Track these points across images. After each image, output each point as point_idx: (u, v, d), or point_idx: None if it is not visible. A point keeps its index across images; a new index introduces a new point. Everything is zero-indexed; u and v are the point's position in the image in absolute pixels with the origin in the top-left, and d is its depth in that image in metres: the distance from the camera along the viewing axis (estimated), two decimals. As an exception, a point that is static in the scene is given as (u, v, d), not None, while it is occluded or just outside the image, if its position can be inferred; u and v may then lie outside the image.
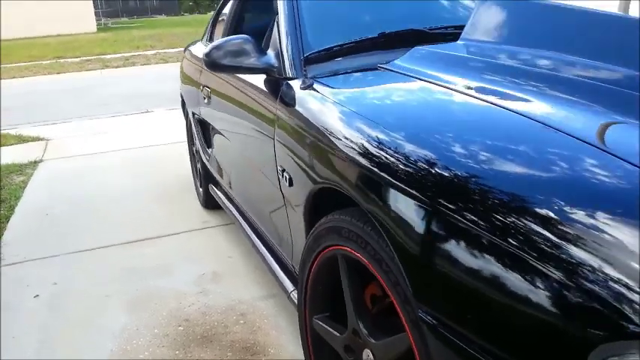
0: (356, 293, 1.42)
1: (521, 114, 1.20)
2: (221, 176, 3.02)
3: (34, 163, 5.21)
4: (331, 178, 1.43)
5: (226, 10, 3.24)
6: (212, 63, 2.05)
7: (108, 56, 14.52)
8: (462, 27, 1.87)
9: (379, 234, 1.23)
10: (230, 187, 2.88)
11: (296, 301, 1.94)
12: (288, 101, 1.77)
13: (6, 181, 4.68)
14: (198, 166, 3.71)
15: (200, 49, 3.46)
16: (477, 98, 1.34)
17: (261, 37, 2.68)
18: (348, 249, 1.36)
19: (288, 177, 1.71)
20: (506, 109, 1.24)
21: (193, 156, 3.90)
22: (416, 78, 1.55)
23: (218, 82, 2.68)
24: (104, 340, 2.30)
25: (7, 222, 3.73)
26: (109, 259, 3.07)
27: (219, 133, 2.81)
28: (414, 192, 1.12)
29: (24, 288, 2.81)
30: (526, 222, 0.92)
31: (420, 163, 1.15)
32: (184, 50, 4.09)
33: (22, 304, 2.66)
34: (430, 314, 1.07)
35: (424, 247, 1.09)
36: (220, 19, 3.39)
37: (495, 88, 1.38)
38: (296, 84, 1.80)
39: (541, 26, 1.62)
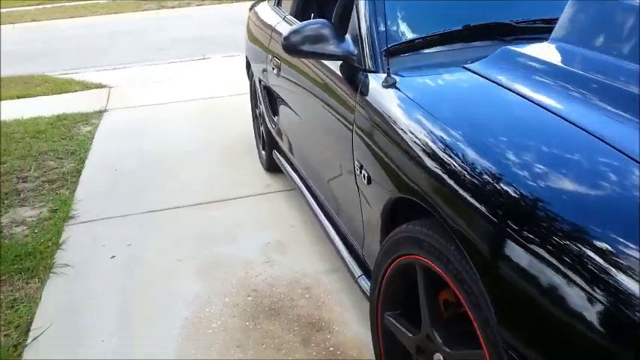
0: (432, 301, 1.48)
1: (606, 142, 1.20)
2: (287, 147, 3.08)
3: (99, 113, 5.37)
4: (413, 190, 1.47)
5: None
6: (290, 47, 2.08)
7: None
8: (549, 21, 1.84)
9: (462, 254, 1.27)
10: (297, 160, 2.94)
11: (363, 286, 2.02)
12: (369, 97, 1.79)
13: (74, 132, 4.86)
14: (262, 129, 3.78)
15: (268, 14, 3.46)
16: (564, 119, 1.33)
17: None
18: (429, 262, 1.41)
19: (366, 175, 1.76)
20: (594, 134, 1.24)
21: (256, 118, 3.96)
22: (503, 87, 1.54)
23: (291, 57, 2.70)
24: (179, 306, 2.44)
25: (79, 176, 3.90)
26: (179, 221, 3.20)
27: (288, 106, 2.85)
28: (499, 216, 1.15)
29: (100, 248, 2.97)
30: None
31: (507, 186, 1.18)
32: (250, 9, 4.10)
33: (100, 264, 2.82)
34: (512, 344, 1.12)
35: (510, 274, 1.13)
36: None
37: (584, 108, 1.37)
38: (377, 79, 1.81)
39: None
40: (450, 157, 1.36)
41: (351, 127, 1.88)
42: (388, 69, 1.74)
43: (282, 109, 3.05)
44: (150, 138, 4.59)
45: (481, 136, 1.37)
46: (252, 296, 2.48)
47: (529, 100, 1.45)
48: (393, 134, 1.61)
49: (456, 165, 1.33)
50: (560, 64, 1.57)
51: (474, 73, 1.66)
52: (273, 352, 2.14)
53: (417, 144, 1.48)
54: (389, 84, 1.73)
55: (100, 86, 6.40)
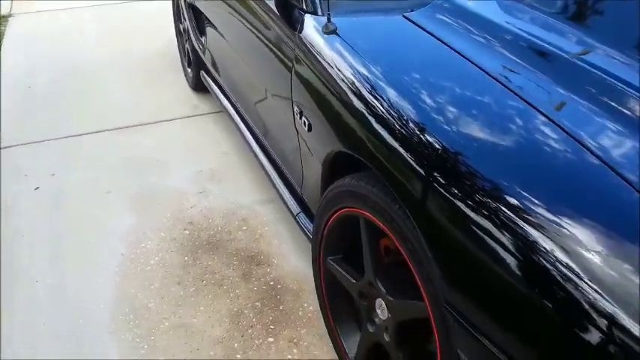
0: (374, 251, 1.54)
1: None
2: (216, 70, 2.99)
3: (4, 18, 4.97)
4: (355, 145, 1.48)
5: None
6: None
7: None
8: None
9: (403, 211, 1.31)
10: (227, 86, 2.87)
11: (302, 223, 2.06)
12: (309, 42, 1.74)
13: (-23, 41, 4.50)
14: (187, 46, 3.62)
15: None
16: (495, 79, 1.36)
17: None
18: (372, 217, 1.45)
19: (307, 122, 1.75)
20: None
21: (180, 34, 3.78)
22: (438, 40, 1.54)
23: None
24: (114, 242, 2.42)
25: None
26: (104, 146, 3.10)
27: (218, 31, 2.74)
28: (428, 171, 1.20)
29: (22, 178, 2.85)
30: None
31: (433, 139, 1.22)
32: None
33: (24, 196, 2.72)
34: (454, 304, 1.20)
35: (445, 229, 1.19)
36: None
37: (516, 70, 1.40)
38: (318, 22, 1.76)
39: None
40: (389, 112, 1.37)
41: (290, 68, 1.84)
42: (329, 14, 1.69)
43: (210, 31, 2.92)
44: (63, 49, 4.31)
45: (419, 91, 1.38)
46: (189, 230, 2.49)
47: (460, 53, 1.46)
48: (334, 86, 1.59)
49: (395, 121, 1.34)
50: (489, 17, 1.58)
51: (414, 23, 1.64)
52: (214, 287, 2.18)
53: (358, 97, 1.48)
54: (329, 30, 1.69)
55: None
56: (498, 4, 1.68)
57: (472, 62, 1.42)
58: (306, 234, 2.03)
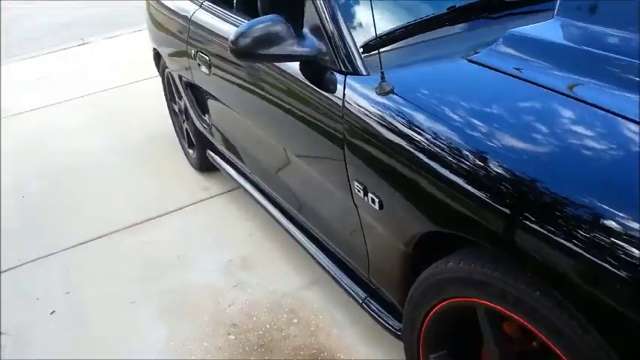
0: (501, 343, 1.27)
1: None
2: (229, 148, 2.75)
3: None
4: (458, 224, 1.23)
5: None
6: (242, 52, 1.74)
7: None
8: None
9: (559, 303, 1.05)
10: (246, 164, 2.63)
11: (373, 311, 1.80)
12: (361, 108, 1.51)
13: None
14: (185, 127, 3.39)
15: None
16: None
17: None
18: (499, 307, 1.19)
19: (376, 200, 1.49)
20: None
21: (176, 114, 3.56)
22: (524, 80, 1.32)
23: (225, 53, 2.35)
24: (154, 354, 2.12)
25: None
26: (115, 251, 2.81)
27: (228, 108, 2.51)
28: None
29: (34, 302, 2.55)
30: None
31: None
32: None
33: (40, 324, 2.41)
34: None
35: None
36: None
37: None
38: (365, 84, 1.53)
39: None
40: (495, 178, 1.13)
41: (341, 140, 1.60)
42: (382, 72, 1.46)
43: (217, 108, 2.69)
44: (52, 150, 4.05)
45: (527, 142, 1.14)
46: (234, 333, 2.19)
47: (557, 91, 1.23)
48: (408, 156, 1.34)
49: (509, 186, 1.10)
50: (582, 47, 1.36)
51: (481, 65, 1.41)
52: (281, 399, 1.89)
53: (446, 166, 1.24)
54: (385, 91, 1.45)
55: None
56: (567, 29, 1.46)
57: (572, 97, 1.20)
58: (379, 322, 1.76)
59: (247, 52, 1.73)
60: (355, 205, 1.64)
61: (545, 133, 1.16)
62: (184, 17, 2.78)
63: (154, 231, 2.92)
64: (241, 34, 1.72)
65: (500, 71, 1.37)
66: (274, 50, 1.71)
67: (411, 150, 1.34)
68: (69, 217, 3.17)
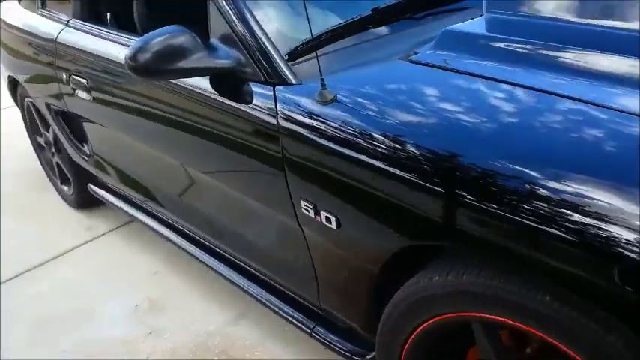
0: (501, 354, 1.18)
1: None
2: (119, 179, 2.46)
3: None
4: (446, 234, 1.12)
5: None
6: (146, 70, 1.51)
7: None
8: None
9: (575, 305, 0.98)
10: (144, 194, 2.36)
11: (323, 337, 1.65)
12: (302, 119, 1.35)
13: None
14: (56, 160, 3.03)
15: (34, 20, 2.68)
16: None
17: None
18: (501, 318, 1.09)
19: (332, 219, 1.34)
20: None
21: (42, 148, 3.18)
22: (469, 75, 1.25)
23: (107, 74, 2.09)
24: None
25: None
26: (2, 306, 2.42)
27: (119, 133, 2.24)
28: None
29: None
30: None
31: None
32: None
33: None
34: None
35: None
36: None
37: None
38: (301, 93, 1.39)
39: None
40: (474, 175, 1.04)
41: (279, 158, 1.43)
42: (322, 79, 1.32)
43: (102, 135, 2.41)
44: None
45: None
46: (161, 387, 1.94)
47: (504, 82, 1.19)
48: (367, 166, 1.21)
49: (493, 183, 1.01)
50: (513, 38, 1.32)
51: (427, 65, 1.33)
52: None
53: (416, 171, 1.13)
54: (328, 99, 1.31)
55: None
56: (498, 22, 1.42)
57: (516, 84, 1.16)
58: (336, 350, 1.62)
59: (149, 68, 1.50)
60: (300, 227, 1.48)
61: (503, 123, 1.11)
62: (48, 39, 2.46)
63: (40, 281, 2.55)
64: (139, 50, 1.50)
65: (444, 68, 1.30)
66: (183, 64, 1.50)
67: (368, 160, 1.21)
68: None
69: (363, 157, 1.22)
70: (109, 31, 2.18)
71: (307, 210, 1.41)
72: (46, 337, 2.23)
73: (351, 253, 1.39)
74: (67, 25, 2.42)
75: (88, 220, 2.96)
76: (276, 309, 1.81)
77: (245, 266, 1.96)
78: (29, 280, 2.58)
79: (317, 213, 1.38)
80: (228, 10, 1.54)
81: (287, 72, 1.45)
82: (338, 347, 1.62)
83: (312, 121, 1.33)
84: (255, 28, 1.51)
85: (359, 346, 1.59)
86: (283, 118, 1.40)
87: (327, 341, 1.65)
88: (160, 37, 1.50)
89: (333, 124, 1.29)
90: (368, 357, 1.57)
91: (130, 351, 2.10)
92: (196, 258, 2.14)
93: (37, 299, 2.45)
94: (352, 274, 1.42)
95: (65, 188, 3.10)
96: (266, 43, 1.49)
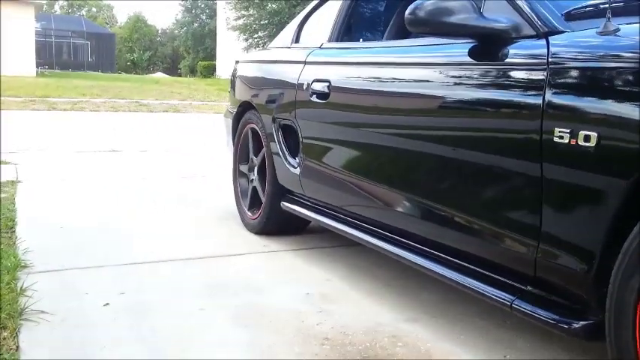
0: None
1: None
2: (334, 187, 2.56)
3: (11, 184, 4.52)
4: None
5: (328, 7, 2.94)
6: (426, 21, 1.74)
7: (53, 99, 13.69)
8: None
9: None
10: (367, 202, 2.39)
11: (528, 310, 1.56)
12: (576, 55, 1.46)
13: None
14: (253, 185, 3.27)
15: (287, 52, 3.12)
16: None
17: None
18: None
19: (594, 134, 1.36)
20: None
21: (243, 175, 3.45)
22: None
23: (356, 71, 2.35)
24: (238, 354, 1.79)
25: (13, 232, 3.07)
26: (174, 274, 2.53)
27: (350, 127, 2.41)
28: None
29: (84, 296, 2.23)
30: None
31: None
32: (236, 63, 3.73)
33: (93, 312, 2.09)
34: None
35: None
36: (314, 19, 3.08)
37: None
38: (580, 34, 1.50)
39: None
40: None
41: (539, 97, 1.51)
42: (609, 17, 1.43)
43: (328, 138, 2.59)
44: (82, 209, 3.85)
45: None
46: (329, 344, 1.89)
47: None
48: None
49: None
50: None
51: None
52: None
53: None
54: (609, 30, 1.41)
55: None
56: None
57: None
58: (534, 317, 1.53)
59: (438, 20, 1.74)
60: (541, 163, 1.50)
61: None
62: (299, 61, 2.82)
63: (218, 265, 2.67)
64: (417, 6, 1.75)
65: None
66: (454, 19, 1.71)
67: None
68: (113, 242, 2.90)
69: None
70: (358, 44, 2.48)
71: (561, 137, 1.44)
72: (216, 295, 2.29)
73: (603, 168, 1.36)
74: (319, 47, 2.77)
75: (267, 241, 3.09)
76: (475, 288, 1.76)
77: (443, 255, 1.95)
78: (209, 263, 2.70)
79: (574, 136, 1.41)
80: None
81: (563, 22, 1.58)
82: (542, 316, 1.53)
83: (591, 50, 1.43)
84: None
85: (564, 316, 1.50)
86: (555, 55, 1.50)
87: (529, 311, 1.57)
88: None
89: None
90: (575, 325, 1.47)
91: (298, 316, 2.09)
92: (396, 255, 2.13)
93: (210, 272, 2.55)
94: (589, 207, 1.39)
95: (249, 214, 3.29)
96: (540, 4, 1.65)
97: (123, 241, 2.95)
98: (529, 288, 1.63)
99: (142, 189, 4.33)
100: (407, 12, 1.80)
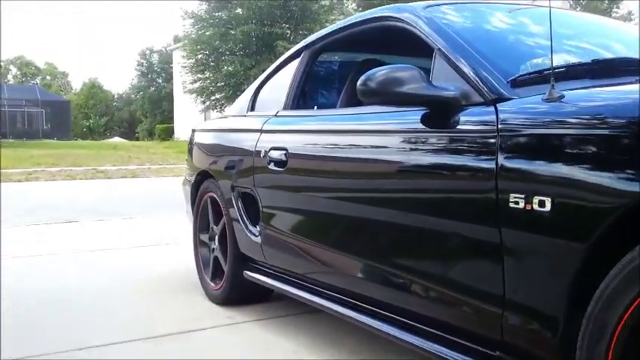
0: None
1: None
2: (297, 255, 2.53)
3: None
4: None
5: (282, 75, 2.98)
6: (377, 92, 1.78)
7: (7, 170, 13.39)
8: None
9: None
10: (332, 269, 2.37)
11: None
12: (524, 122, 1.50)
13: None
14: (214, 255, 3.22)
15: (242, 120, 3.14)
16: None
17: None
18: None
19: (548, 200, 1.38)
20: None
21: (204, 245, 3.39)
22: None
23: (312, 139, 2.37)
24: None
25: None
26: (130, 355, 2.43)
27: (309, 192, 2.42)
28: None
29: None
30: None
31: None
32: (193, 132, 3.73)
33: None
34: None
35: None
36: (268, 87, 3.11)
37: None
38: (520, 102, 1.55)
39: None
40: None
41: (492, 162, 1.53)
42: (552, 85, 1.48)
43: (285, 204, 2.59)
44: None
45: None
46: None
47: None
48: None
49: None
50: None
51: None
52: None
53: None
54: (554, 97, 1.46)
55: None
56: None
57: None
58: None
59: (390, 90, 1.78)
60: (500, 228, 1.51)
61: None
62: (255, 130, 2.84)
63: (184, 343, 2.58)
64: (368, 77, 1.80)
65: None
66: (405, 89, 1.75)
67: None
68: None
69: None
70: (313, 112, 2.51)
71: (517, 202, 1.46)
72: None
73: (560, 233, 1.38)
74: (275, 115, 2.80)
75: (231, 312, 3.01)
76: (442, 354, 1.73)
77: (408, 321, 1.93)
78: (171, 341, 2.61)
79: (528, 201, 1.43)
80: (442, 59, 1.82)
81: (510, 89, 1.63)
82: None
83: (538, 116, 1.47)
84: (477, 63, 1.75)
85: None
86: (504, 122, 1.54)
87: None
88: (400, 69, 1.78)
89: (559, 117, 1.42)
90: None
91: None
92: (360, 322, 2.10)
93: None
94: (549, 272, 1.40)
95: (212, 284, 3.22)
96: (488, 73, 1.70)
97: (74, 321, 2.84)
98: (498, 353, 1.61)
99: (97, 261, 4.21)
100: (358, 83, 1.83)
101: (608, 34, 2.39)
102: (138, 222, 6.16)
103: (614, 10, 30.73)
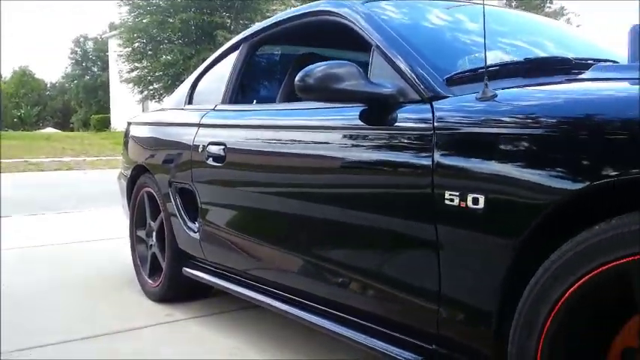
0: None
1: None
2: (235, 249, 2.50)
3: None
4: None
5: (220, 68, 2.93)
6: (316, 88, 1.77)
7: None
8: (600, 60, 1.83)
9: None
10: (269, 264, 2.38)
11: None
12: (459, 120, 1.52)
13: None
14: (152, 251, 3.16)
15: (179, 113, 3.07)
16: None
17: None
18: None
19: (481, 197, 1.41)
20: None
21: (141, 242, 3.32)
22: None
23: (251, 134, 2.34)
24: None
25: None
26: (65, 355, 2.36)
27: (247, 186, 2.39)
28: None
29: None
30: None
31: None
32: (128, 124, 3.63)
33: None
34: None
35: None
36: (206, 79, 3.05)
37: None
38: (457, 101, 1.58)
39: None
40: None
41: (428, 159, 1.55)
42: (486, 84, 1.50)
43: (224, 199, 2.55)
44: None
45: None
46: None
47: None
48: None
49: None
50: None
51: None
52: None
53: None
54: (488, 96, 1.49)
55: None
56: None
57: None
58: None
59: (329, 87, 1.76)
60: (435, 224, 1.53)
61: None
62: (193, 124, 2.78)
63: (120, 342, 2.51)
64: (305, 74, 1.78)
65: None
66: (343, 86, 1.75)
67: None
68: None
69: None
70: (252, 106, 2.48)
71: (452, 199, 1.48)
72: None
73: (493, 229, 1.41)
74: (213, 109, 2.75)
75: (170, 309, 2.96)
76: (381, 349, 1.75)
77: (347, 317, 1.94)
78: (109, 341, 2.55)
79: (463, 198, 1.45)
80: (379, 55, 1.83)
81: (445, 88, 1.65)
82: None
83: (472, 115, 1.49)
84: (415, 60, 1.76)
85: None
86: (440, 120, 1.56)
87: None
88: (337, 66, 1.77)
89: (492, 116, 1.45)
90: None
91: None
92: (299, 318, 2.10)
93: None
94: (483, 268, 1.43)
95: (150, 281, 3.16)
96: (424, 71, 1.72)
97: (10, 323, 2.73)
98: (434, 347, 1.64)
99: (32, 258, 4.07)
100: (296, 79, 1.81)
101: (541, 32, 2.46)
102: (73, 216, 5.98)
103: (547, 5, 31.75)
